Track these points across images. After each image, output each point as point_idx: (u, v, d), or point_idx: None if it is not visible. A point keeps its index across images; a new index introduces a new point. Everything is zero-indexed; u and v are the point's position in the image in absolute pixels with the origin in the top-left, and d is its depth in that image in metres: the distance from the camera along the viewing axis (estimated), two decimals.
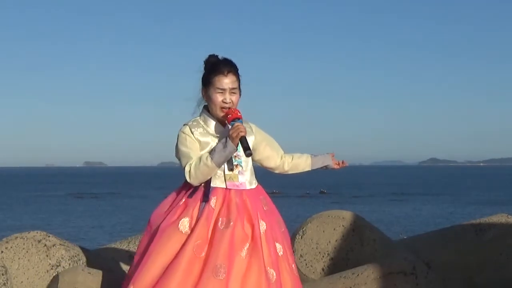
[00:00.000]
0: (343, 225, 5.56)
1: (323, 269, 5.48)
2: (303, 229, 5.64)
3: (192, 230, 3.99)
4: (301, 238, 5.60)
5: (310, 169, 4.54)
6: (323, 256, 5.51)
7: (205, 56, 4.26)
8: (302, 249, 5.56)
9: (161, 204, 4.21)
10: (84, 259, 5.43)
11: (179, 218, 4.03)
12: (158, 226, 4.06)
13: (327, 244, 5.53)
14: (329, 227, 5.57)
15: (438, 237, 6.14)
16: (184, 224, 4.00)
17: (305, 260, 5.53)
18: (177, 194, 4.19)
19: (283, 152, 4.46)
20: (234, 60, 4.23)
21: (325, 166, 4.55)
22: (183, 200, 4.10)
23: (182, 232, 3.99)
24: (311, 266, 5.51)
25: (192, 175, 4.04)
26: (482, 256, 5.70)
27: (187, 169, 4.05)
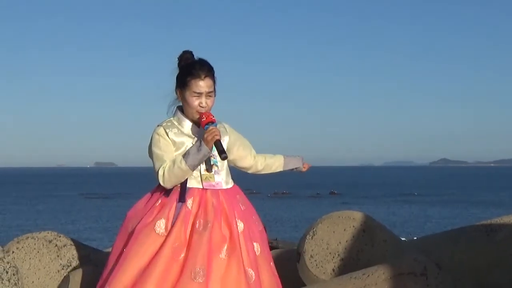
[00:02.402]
0: (353, 226, 5.54)
1: (333, 270, 5.47)
2: (314, 229, 5.62)
3: (169, 232, 3.95)
4: (312, 238, 5.58)
5: (282, 170, 4.58)
6: (333, 257, 5.50)
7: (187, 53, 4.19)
8: (312, 250, 5.55)
9: (138, 203, 4.18)
10: (94, 259, 5.44)
11: (154, 219, 3.99)
12: (134, 228, 4.01)
13: (338, 245, 5.52)
14: (339, 228, 5.56)
15: (448, 237, 6.11)
16: (160, 225, 3.96)
17: (315, 260, 5.52)
18: (153, 194, 4.15)
19: (255, 152, 4.47)
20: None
21: (296, 168, 4.61)
22: (159, 200, 4.07)
23: (158, 233, 3.95)
24: (322, 266, 5.50)
25: (166, 178, 4.00)
26: (493, 257, 5.67)
27: (160, 172, 4.01)
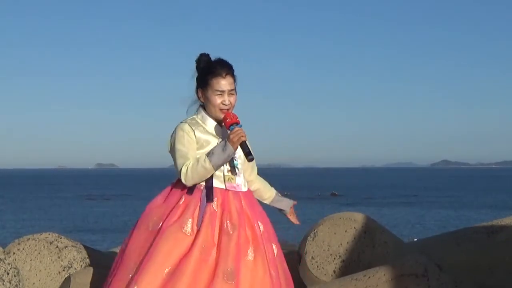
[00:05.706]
0: (354, 227, 5.54)
1: (334, 271, 5.47)
2: (315, 231, 5.62)
3: (196, 233, 3.96)
4: (313, 240, 5.58)
5: (268, 203, 4.56)
6: (334, 258, 5.50)
7: (197, 55, 4.21)
8: (313, 251, 5.55)
9: (156, 198, 4.18)
10: (96, 260, 5.44)
11: (180, 218, 4.00)
12: (160, 226, 4.00)
13: (339, 246, 5.52)
14: (340, 229, 5.56)
15: (450, 239, 6.11)
16: (187, 225, 3.98)
17: (316, 262, 5.52)
18: (172, 190, 4.16)
19: (256, 173, 4.48)
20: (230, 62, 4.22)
21: (282, 210, 4.60)
22: (183, 198, 4.07)
23: (185, 233, 3.96)
24: (323, 268, 5.50)
25: (188, 176, 4.01)
26: (494, 258, 5.67)
27: (183, 170, 4.03)
